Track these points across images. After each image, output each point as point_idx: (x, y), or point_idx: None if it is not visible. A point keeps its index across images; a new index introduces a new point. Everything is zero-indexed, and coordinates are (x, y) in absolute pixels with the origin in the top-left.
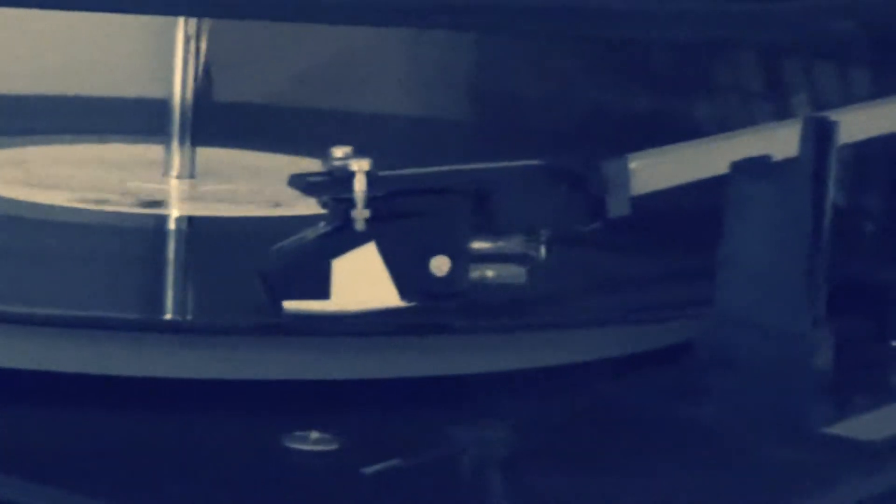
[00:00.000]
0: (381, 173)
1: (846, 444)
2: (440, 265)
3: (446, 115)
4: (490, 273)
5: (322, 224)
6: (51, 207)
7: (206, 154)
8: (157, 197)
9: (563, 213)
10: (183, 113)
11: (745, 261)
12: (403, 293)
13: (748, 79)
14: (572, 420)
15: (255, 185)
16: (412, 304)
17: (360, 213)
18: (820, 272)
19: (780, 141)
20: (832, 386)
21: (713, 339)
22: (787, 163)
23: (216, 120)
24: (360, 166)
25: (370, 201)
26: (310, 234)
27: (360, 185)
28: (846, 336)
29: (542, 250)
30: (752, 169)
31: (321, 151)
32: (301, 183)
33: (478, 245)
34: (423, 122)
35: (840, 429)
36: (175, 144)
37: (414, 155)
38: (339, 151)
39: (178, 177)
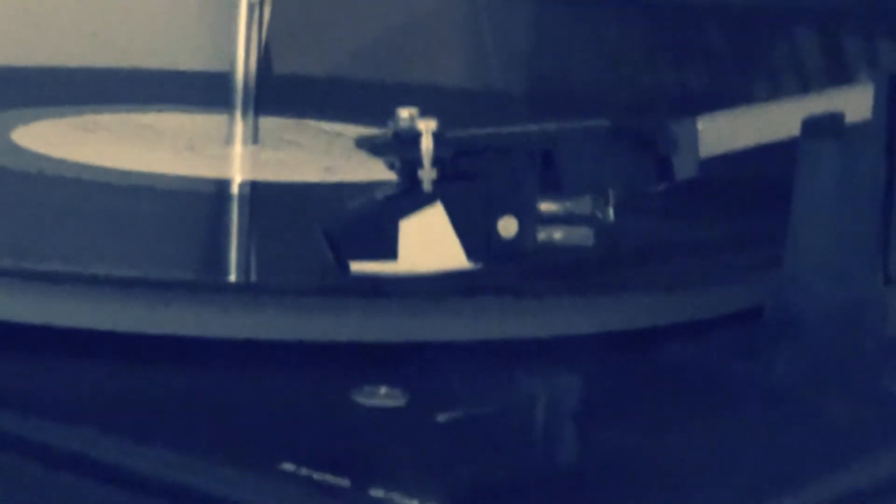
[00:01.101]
0: (448, 134)
1: None
2: (507, 226)
3: (505, 87)
4: (557, 235)
5: (389, 185)
6: (119, 172)
7: (267, 123)
8: (221, 163)
9: (630, 175)
10: (245, 84)
11: (816, 222)
12: (470, 254)
13: (804, 55)
14: (642, 382)
15: (314, 152)
16: (479, 265)
17: (428, 173)
18: (892, 232)
19: (852, 102)
20: None
21: (783, 301)
22: (859, 122)
23: (277, 90)
24: (427, 126)
25: (437, 162)
26: (377, 194)
27: (426, 145)
28: None
29: (610, 212)
30: (823, 129)
31: (380, 121)
32: (368, 144)
33: (544, 206)
34: (482, 95)
35: None
36: (237, 114)
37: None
38: (405, 112)
39: (242, 143)
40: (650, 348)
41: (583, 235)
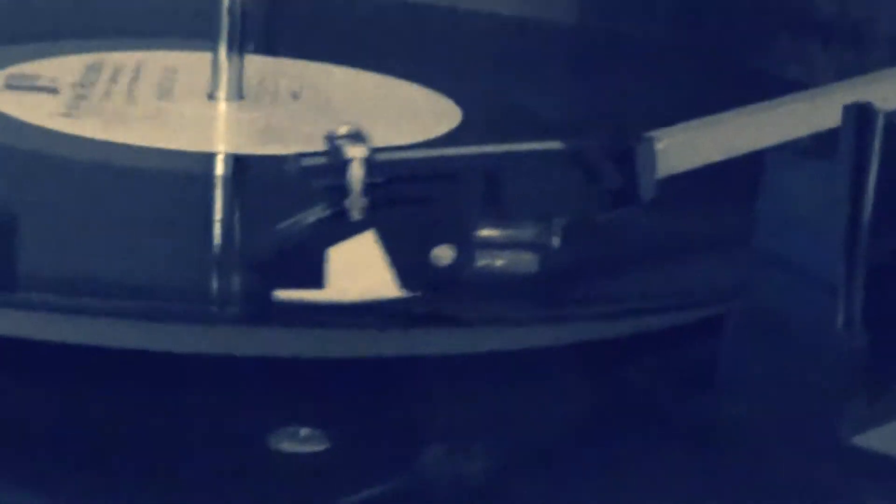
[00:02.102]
0: (381, 157)
1: (877, 460)
2: (443, 254)
3: (557, 17)
4: (498, 262)
5: (320, 208)
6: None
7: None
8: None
9: (578, 201)
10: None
11: (779, 250)
12: (403, 283)
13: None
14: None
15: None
16: (413, 294)
17: (357, 203)
18: (858, 270)
19: (818, 114)
20: (868, 389)
21: (738, 332)
22: (826, 148)
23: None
24: (357, 153)
25: (369, 187)
26: (305, 217)
27: (356, 174)
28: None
29: (556, 239)
30: (788, 155)
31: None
32: (295, 167)
33: (485, 232)
34: (533, 23)
35: (872, 440)
36: (222, 52)
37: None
38: (341, 129)
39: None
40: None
41: (526, 262)
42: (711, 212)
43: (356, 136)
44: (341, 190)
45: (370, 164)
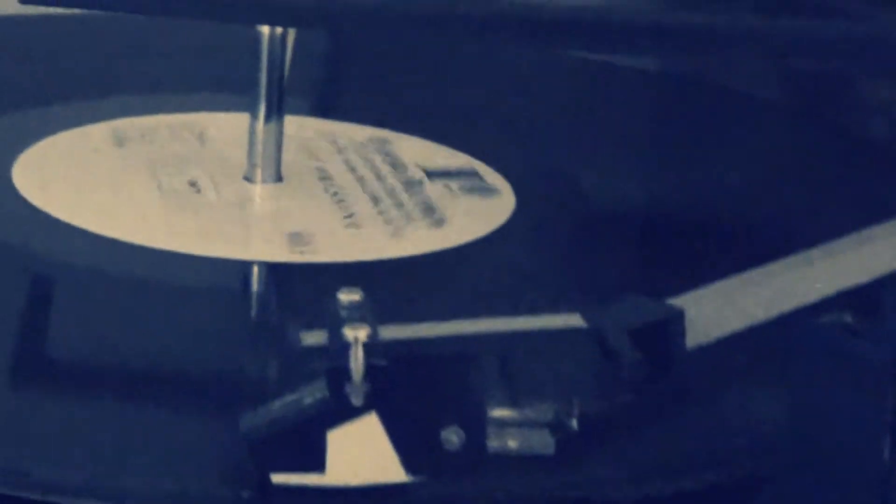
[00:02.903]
0: (385, 337)
1: None
2: (452, 436)
3: None
4: (512, 443)
5: (320, 387)
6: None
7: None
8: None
9: (597, 383)
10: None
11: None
12: (409, 467)
13: None
14: None
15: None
16: (419, 478)
17: (358, 388)
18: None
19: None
20: None
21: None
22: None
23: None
24: (357, 335)
25: (371, 371)
26: (306, 398)
27: (357, 360)
28: None
29: (574, 421)
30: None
31: None
32: (296, 344)
33: (498, 413)
34: None
35: None
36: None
37: None
38: (345, 297)
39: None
40: None
41: (542, 443)
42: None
43: (360, 307)
44: (342, 372)
45: (372, 346)
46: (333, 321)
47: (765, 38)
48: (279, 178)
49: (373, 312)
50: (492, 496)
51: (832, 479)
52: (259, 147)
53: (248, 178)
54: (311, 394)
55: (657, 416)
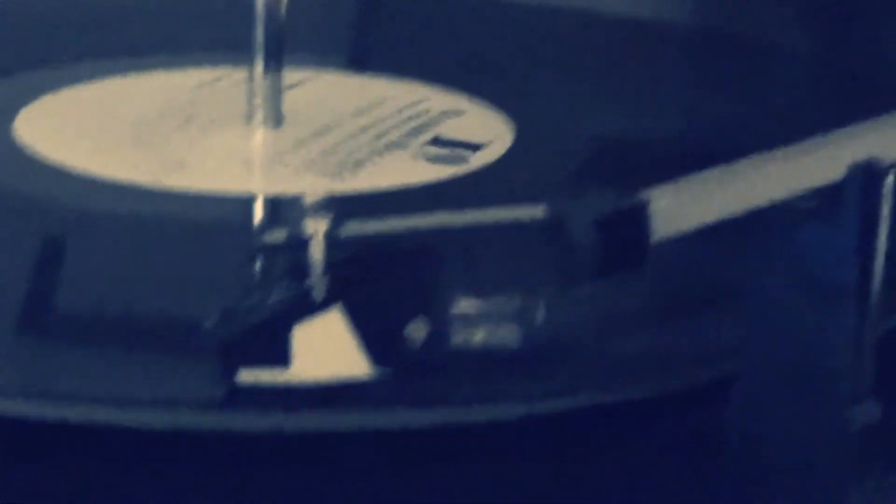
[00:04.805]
0: (345, 231)
1: None
2: (416, 331)
3: (675, 18)
4: (478, 336)
5: (283, 285)
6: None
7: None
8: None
9: (564, 270)
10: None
11: (774, 315)
12: (374, 362)
13: None
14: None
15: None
16: (384, 373)
17: (319, 283)
18: (867, 340)
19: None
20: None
21: (741, 400)
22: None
23: None
24: (318, 227)
25: (333, 264)
26: (269, 294)
27: (317, 252)
28: None
29: (541, 311)
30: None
31: None
32: (257, 243)
33: (464, 305)
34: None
35: None
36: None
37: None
38: (309, 196)
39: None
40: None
41: (508, 336)
42: (702, 271)
43: (322, 205)
44: (304, 268)
45: (333, 239)
46: (295, 218)
47: None
48: (280, 122)
49: (335, 210)
50: (458, 391)
51: (799, 373)
52: (260, 92)
53: (249, 122)
54: (275, 291)
55: (626, 315)
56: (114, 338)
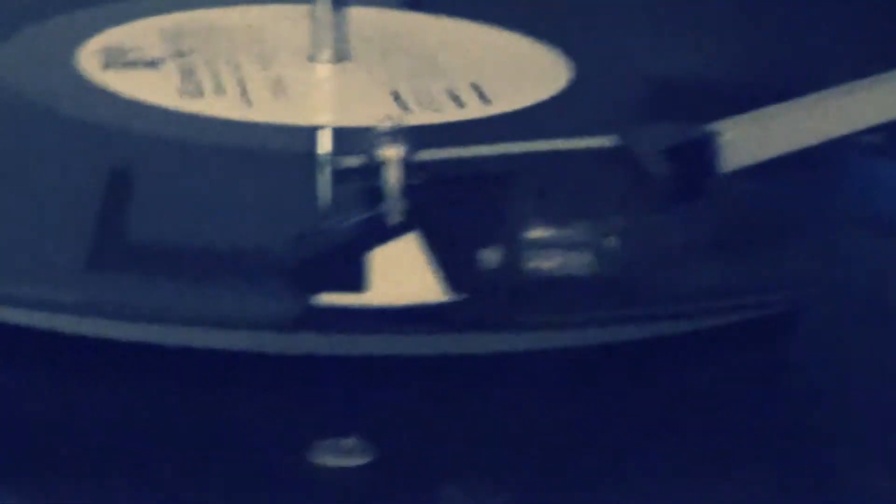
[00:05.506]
0: (419, 157)
1: None
2: (490, 257)
3: None
4: (550, 263)
5: (361, 210)
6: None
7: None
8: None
9: (635, 198)
10: None
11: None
12: (448, 287)
13: None
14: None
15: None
16: (457, 299)
17: (394, 206)
18: None
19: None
20: None
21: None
22: None
23: None
24: (392, 154)
25: (409, 189)
26: (345, 219)
27: (392, 178)
28: None
29: (613, 239)
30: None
31: None
32: (334, 167)
33: (537, 233)
34: None
35: None
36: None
37: None
38: (384, 123)
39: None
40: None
41: (581, 263)
42: (774, 204)
43: (397, 132)
44: (378, 192)
45: (407, 165)
46: (371, 145)
47: None
48: (345, 57)
49: (410, 137)
50: (530, 317)
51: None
52: (322, 28)
53: (312, 59)
54: (352, 216)
55: (697, 244)
56: (194, 261)
